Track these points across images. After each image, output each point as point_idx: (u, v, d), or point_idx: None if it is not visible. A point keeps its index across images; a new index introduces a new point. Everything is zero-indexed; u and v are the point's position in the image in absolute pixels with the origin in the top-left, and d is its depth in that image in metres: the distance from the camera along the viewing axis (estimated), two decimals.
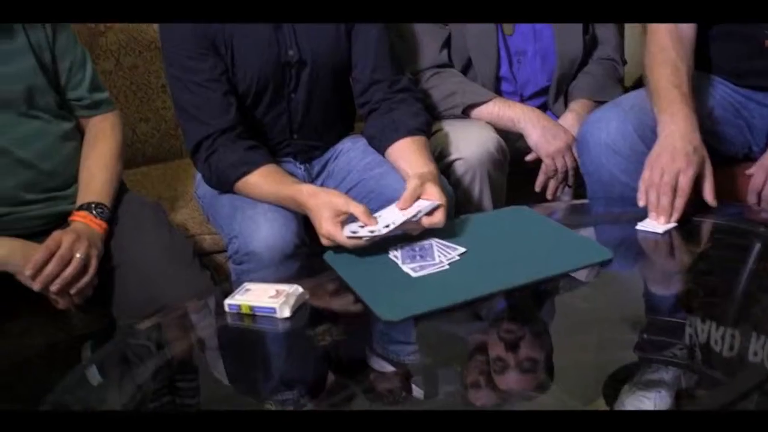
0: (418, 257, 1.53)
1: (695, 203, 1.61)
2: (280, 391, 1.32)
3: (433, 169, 1.75)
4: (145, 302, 1.63)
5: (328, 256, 1.60)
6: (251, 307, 1.41)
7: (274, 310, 1.39)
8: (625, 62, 2.40)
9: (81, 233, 1.68)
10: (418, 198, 1.61)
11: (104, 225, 1.75)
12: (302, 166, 2.05)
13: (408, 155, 1.83)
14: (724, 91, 1.95)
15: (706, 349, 1.22)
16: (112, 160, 1.87)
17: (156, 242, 1.78)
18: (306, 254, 1.76)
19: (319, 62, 1.93)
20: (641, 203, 1.61)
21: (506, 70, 2.27)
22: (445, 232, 1.60)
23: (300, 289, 1.43)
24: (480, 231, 1.65)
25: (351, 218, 1.60)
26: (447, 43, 2.24)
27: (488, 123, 2.15)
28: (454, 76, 2.23)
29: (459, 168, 2.03)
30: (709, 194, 1.62)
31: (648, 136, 1.74)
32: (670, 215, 1.58)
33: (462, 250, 1.54)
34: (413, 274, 1.48)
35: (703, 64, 1.92)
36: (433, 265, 1.50)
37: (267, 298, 1.41)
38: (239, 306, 1.42)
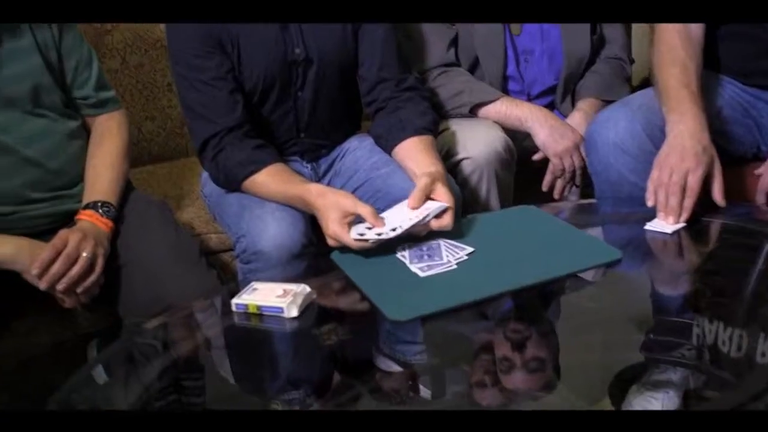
0: (425, 257, 1.53)
1: (704, 203, 1.61)
2: (286, 390, 1.32)
3: (440, 169, 1.75)
4: (152, 301, 1.63)
5: (336, 256, 1.59)
6: (258, 307, 1.41)
7: (281, 309, 1.38)
8: (632, 61, 2.39)
9: (87, 232, 1.67)
10: (427, 198, 1.60)
11: (110, 224, 1.75)
12: (309, 165, 2.04)
13: (415, 154, 1.82)
14: (732, 90, 1.94)
15: (715, 350, 1.21)
16: (118, 158, 1.87)
17: (162, 241, 1.78)
18: (313, 254, 1.76)
19: (326, 60, 1.92)
20: (650, 203, 1.61)
21: (513, 69, 2.26)
22: (452, 232, 1.59)
23: (307, 289, 1.43)
24: (488, 231, 1.65)
25: (358, 219, 1.59)
26: (454, 42, 2.23)
27: (495, 122, 2.15)
28: (461, 75, 2.22)
29: (466, 167, 2.02)
30: (718, 194, 1.61)
31: (657, 136, 1.73)
32: (679, 215, 1.58)
33: (470, 249, 1.54)
34: (421, 274, 1.47)
35: (711, 64, 1.91)
36: (441, 264, 1.50)
37: (274, 297, 1.41)
38: (246, 305, 1.42)
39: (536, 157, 2.17)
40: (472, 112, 2.18)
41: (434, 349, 1.41)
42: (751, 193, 1.83)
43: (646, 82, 2.33)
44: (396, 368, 1.34)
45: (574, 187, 2.18)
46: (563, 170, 2.13)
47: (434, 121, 1.93)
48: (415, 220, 1.55)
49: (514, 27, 2.23)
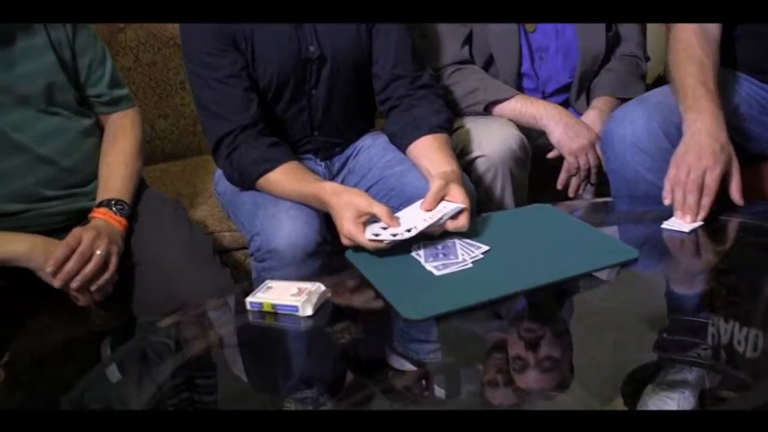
0: (441, 255, 1.52)
1: (721, 201, 1.60)
2: (299, 389, 1.32)
3: (455, 168, 1.74)
4: (165, 299, 1.63)
5: (350, 254, 1.59)
6: (273, 305, 1.40)
7: (296, 308, 1.38)
8: (648, 59, 2.38)
9: (101, 230, 1.67)
10: (442, 199, 1.59)
11: (124, 222, 1.75)
12: (322, 163, 2.04)
13: (430, 153, 1.81)
14: (749, 87, 1.93)
15: (731, 350, 1.20)
16: (131, 156, 1.87)
17: (176, 239, 1.78)
18: (328, 252, 1.76)
19: (340, 58, 1.92)
20: (667, 202, 1.60)
21: (528, 67, 2.26)
22: (467, 231, 1.58)
23: (322, 287, 1.42)
24: (503, 229, 1.64)
25: (373, 218, 1.59)
26: (468, 40, 2.23)
27: (510, 120, 2.14)
28: (475, 72, 2.21)
29: (481, 165, 2.01)
30: (735, 192, 1.60)
31: (673, 134, 1.72)
32: (697, 214, 1.57)
33: (485, 248, 1.53)
34: (436, 273, 1.47)
35: (728, 61, 1.90)
36: (457, 263, 1.49)
37: (289, 296, 1.40)
38: (261, 304, 1.41)
39: (551, 155, 2.15)
40: (487, 110, 2.17)
41: (448, 349, 1.40)
42: None
43: (661, 80, 2.32)
44: (410, 367, 1.33)
45: (589, 186, 2.17)
46: (578, 168, 2.12)
47: (449, 119, 1.92)
48: (430, 221, 1.55)
49: (529, 24, 2.22)
